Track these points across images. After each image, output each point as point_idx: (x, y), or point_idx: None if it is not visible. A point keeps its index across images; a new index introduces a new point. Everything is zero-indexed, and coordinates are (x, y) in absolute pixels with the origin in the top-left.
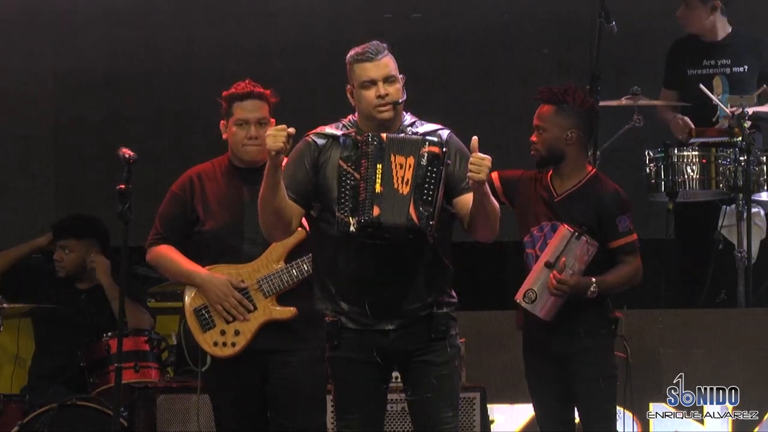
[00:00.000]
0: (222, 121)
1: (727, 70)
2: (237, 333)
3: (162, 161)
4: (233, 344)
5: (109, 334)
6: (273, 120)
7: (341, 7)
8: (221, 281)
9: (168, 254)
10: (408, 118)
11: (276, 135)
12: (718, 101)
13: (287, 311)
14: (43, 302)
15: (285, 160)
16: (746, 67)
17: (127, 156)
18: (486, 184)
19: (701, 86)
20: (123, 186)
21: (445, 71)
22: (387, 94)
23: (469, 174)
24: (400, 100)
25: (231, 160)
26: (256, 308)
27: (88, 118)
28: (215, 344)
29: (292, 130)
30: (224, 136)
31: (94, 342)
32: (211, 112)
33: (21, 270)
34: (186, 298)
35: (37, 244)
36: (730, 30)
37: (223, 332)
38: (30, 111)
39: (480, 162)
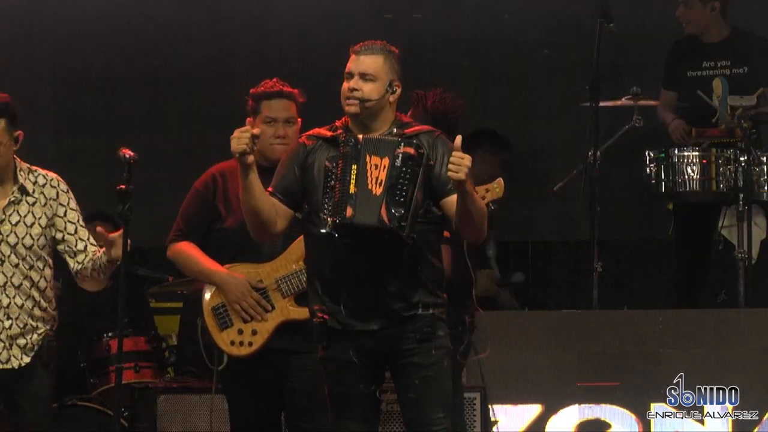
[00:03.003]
0: (249, 119)
1: (727, 72)
2: (254, 332)
3: (162, 161)
4: (250, 344)
5: (110, 334)
6: (300, 119)
7: (341, 7)
8: (240, 281)
9: (188, 251)
10: (400, 120)
11: (240, 137)
12: (716, 105)
13: (305, 312)
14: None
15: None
16: (746, 68)
17: (127, 156)
18: (469, 183)
19: (699, 93)
20: (123, 186)
21: (445, 71)
22: (355, 89)
23: (448, 173)
24: (368, 99)
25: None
26: (273, 308)
27: (87, 118)
28: (232, 343)
29: (256, 130)
30: None
31: (95, 342)
32: (211, 111)
33: None
34: (205, 296)
35: None
36: (729, 31)
37: (240, 331)
38: (30, 111)
39: (459, 161)
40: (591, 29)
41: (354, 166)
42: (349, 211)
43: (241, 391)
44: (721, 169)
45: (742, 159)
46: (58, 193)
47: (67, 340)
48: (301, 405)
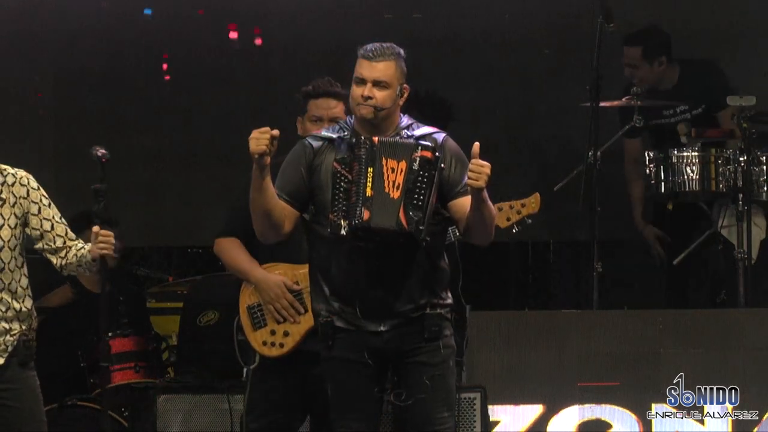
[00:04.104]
0: (298, 118)
1: (688, 115)
2: (286, 334)
3: (162, 161)
4: (281, 345)
5: (110, 334)
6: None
7: (341, 7)
8: (275, 282)
9: (230, 248)
10: (405, 120)
11: (259, 138)
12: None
13: None
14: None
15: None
16: (703, 106)
17: (99, 155)
18: (485, 190)
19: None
20: (98, 185)
21: (446, 71)
22: (370, 97)
23: (467, 181)
24: (383, 107)
25: None
26: (307, 311)
27: (87, 118)
28: (264, 343)
29: (276, 132)
30: (299, 132)
31: (95, 342)
32: (211, 111)
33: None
34: (242, 294)
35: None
36: (679, 72)
37: (273, 332)
38: (30, 111)
39: (479, 169)
40: (591, 29)
41: (370, 169)
42: (366, 214)
43: (263, 392)
44: (720, 169)
45: (741, 159)
46: (28, 191)
47: (67, 340)
48: (326, 411)
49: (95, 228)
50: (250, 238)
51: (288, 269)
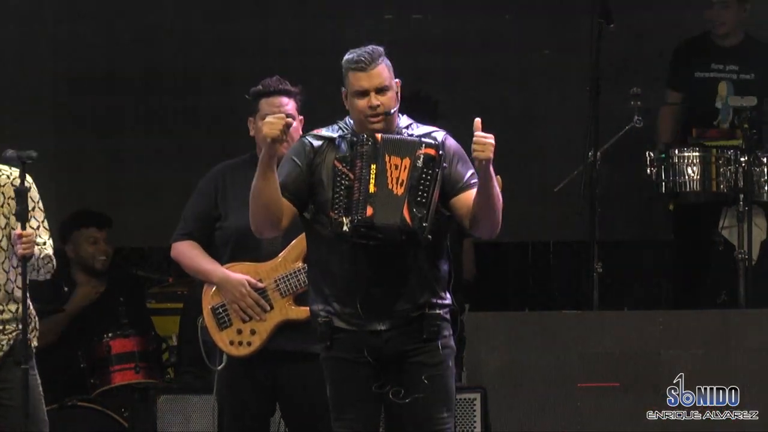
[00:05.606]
0: (249, 118)
1: (734, 76)
2: (253, 332)
3: (162, 161)
4: (249, 343)
5: (110, 334)
6: (301, 118)
7: (341, 7)
8: (238, 280)
9: (188, 251)
10: (404, 120)
11: (274, 122)
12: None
13: (303, 311)
14: (52, 303)
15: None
16: (753, 74)
17: (23, 156)
18: (491, 166)
19: None
20: (21, 187)
21: (445, 72)
22: (378, 105)
23: (474, 154)
24: (392, 111)
25: (257, 156)
26: (272, 308)
27: (88, 118)
28: (231, 343)
29: (290, 120)
30: (251, 133)
31: (95, 343)
32: (211, 111)
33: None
34: (204, 296)
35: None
36: (743, 37)
37: (239, 331)
38: (30, 111)
39: (483, 140)
40: (591, 29)
41: (373, 166)
42: (369, 210)
43: (235, 391)
44: (721, 169)
45: (742, 159)
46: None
47: (67, 341)
48: (298, 408)
49: (17, 230)
50: (209, 240)
51: (250, 267)
